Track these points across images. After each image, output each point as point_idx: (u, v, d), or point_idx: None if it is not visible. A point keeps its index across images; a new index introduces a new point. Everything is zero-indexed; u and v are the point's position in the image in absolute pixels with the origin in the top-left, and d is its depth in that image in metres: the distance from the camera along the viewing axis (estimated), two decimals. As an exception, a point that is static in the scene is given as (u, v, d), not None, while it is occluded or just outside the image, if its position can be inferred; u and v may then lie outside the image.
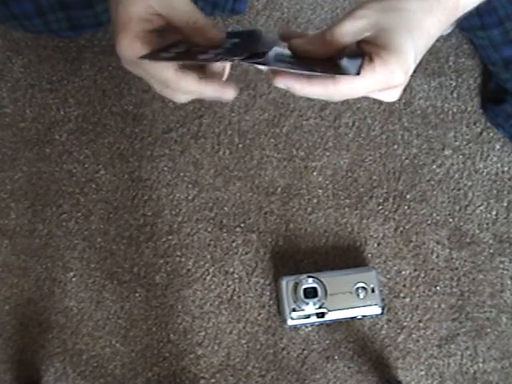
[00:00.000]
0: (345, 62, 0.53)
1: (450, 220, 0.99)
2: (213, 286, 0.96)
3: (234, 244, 0.97)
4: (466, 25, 0.92)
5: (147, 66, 0.55)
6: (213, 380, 0.93)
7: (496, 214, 1.00)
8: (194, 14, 0.57)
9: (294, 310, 0.90)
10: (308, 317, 0.90)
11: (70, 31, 0.96)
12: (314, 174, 1.00)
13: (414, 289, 0.97)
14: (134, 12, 0.55)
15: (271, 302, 0.95)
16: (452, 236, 0.98)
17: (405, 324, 0.95)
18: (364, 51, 0.53)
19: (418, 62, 0.55)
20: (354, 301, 0.91)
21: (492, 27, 0.89)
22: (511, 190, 1.01)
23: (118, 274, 0.96)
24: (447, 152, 1.02)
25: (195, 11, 0.57)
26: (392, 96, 0.56)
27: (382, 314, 0.93)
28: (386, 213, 0.99)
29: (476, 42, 0.98)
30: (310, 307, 0.90)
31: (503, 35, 0.89)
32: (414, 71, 0.52)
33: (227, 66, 0.60)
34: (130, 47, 0.55)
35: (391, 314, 0.96)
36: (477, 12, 0.87)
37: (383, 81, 0.52)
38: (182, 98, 0.58)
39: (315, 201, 0.99)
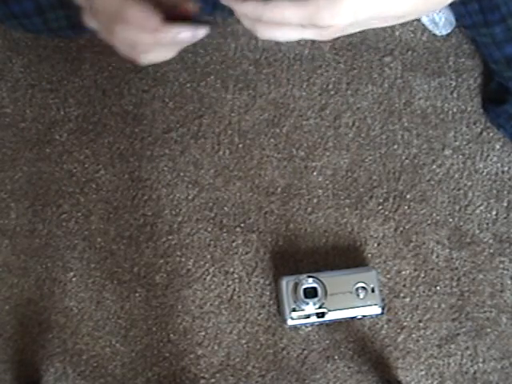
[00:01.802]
0: None
1: (450, 220, 0.99)
2: (213, 286, 0.96)
3: (233, 244, 0.97)
4: (469, 22, 0.92)
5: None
6: (213, 380, 0.93)
7: (496, 214, 1.00)
8: None
9: (294, 310, 0.90)
10: (308, 317, 0.90)
11: (70, 30, 0.95)
12: (314, 173, 1.00)
13: (414, 289, 0.97)
14: None
15: (271, 302, 0.95)
16: (452, 236, 0.98)
17: (405, 324, 0.95)
18: None
19: (365, 20, 0.52)
20: (353, 301, 0.91)
21: (495, 24, 0.88)
22: (511, 190, 1.01)
23: (118, 274, 0.96)
24: (447, 152, 1.02)
25: None
26: (322, 35, 0.53)
27: (382, 313, 0.93)
28: (386, 213, 0.99)
29: (478, 39, 0.98)
30: (310, 307, 0.90)
31: (506, 32, 0.88)
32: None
33: None
34: None
35: (391, 313, 0.95)
36: (479, 9, 0.87)
37: (308, 12, 0.50)
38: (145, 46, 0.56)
39: (315, 201, 0.99)
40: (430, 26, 1.04)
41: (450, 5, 0.67)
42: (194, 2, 0.57)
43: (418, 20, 1.05)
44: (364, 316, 0.92)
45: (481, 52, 1.03)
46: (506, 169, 1.01)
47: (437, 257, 0.98)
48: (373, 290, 0.91)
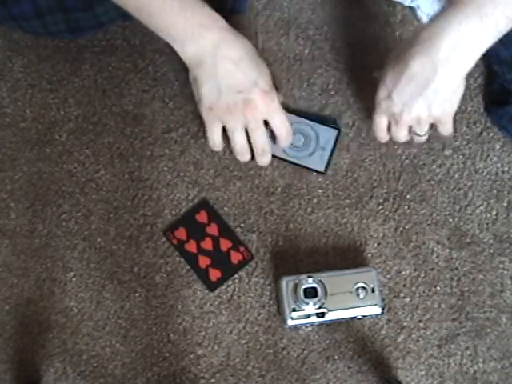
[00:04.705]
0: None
1: (450, 220, 0.99)
2: (213, 286, 0.96)
3: (233, 244, 0.97)
4: None
5: None
6: (213, 380, 0.93)
7: (496, 214, 1.00)
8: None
9: (294, 310, 0.90)
10: (308, 317, 0.90)
11: (69, 34, 0.95)
12: (314, 174, 1.00)
13: (414, 289, 0.96)
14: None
15: (271, 302, 0.95)
16: (452, 236, 0.98)
17: (405, 324, 0.95)
18: None
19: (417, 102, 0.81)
20: (354, 301, 0.91)
21: None
22: (511, 190, 1.01)
23: (118, 274, 0.96)
24: (447, 152, 1.02)
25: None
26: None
27: (382, 313, 0.93)
28: (386, 213, 0.99)
29: None
30: (310, 307, 0.90)
31: None
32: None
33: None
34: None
35: (391, 313, 0.96)
36: None
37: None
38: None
39: (315, 201, 0.99)
40: (430, 26, 1.04)
41: None
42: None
43: (418, 20, 1.05)
44: (364, 316, 0.92)
45: (485, 52, 1.02)
46: (506, 169, 1.01)
47: (437, 257, 0.98)
48: (373, 290, 0.91)
